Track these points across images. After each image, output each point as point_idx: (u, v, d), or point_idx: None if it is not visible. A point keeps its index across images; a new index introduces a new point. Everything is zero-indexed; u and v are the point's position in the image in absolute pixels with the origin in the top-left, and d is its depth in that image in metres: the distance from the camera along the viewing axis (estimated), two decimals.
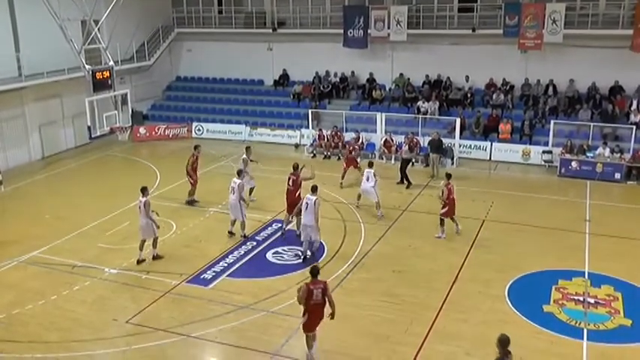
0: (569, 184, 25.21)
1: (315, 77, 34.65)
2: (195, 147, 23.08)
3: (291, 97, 35.06)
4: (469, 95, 31.31)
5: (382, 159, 28.97)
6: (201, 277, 16.83)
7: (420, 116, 29.74)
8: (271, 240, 19.37)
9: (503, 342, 10.18)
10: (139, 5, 33.85)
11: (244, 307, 14.57)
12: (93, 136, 23.17)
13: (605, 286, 16.01)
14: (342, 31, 32.63)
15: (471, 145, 28.84)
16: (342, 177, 24.54)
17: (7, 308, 15.29)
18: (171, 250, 18.47)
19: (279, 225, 20.25)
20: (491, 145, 28.58)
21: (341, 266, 17.31)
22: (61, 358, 13.28)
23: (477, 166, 27.78)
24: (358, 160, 25.52)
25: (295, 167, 19.77)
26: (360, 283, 16.42)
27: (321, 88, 34.22)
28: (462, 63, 31.44)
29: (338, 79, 34.55)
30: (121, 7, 23.84)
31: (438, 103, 30.66)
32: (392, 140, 28.82)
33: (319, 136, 30.13)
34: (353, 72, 34.50)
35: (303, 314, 12.47)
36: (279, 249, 18.62)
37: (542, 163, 27.35)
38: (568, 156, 26.19)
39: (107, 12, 24.36)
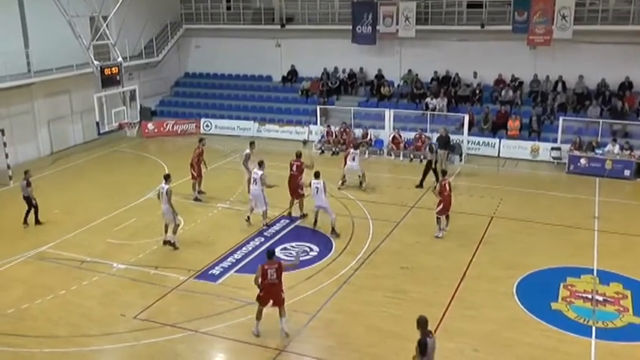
0: (577, 181, 25.09)
1: (323, 73, 34.66)
2: (200, 140, 23.22)
3: (300, 93, 35.08)
4: (477, 91, 31.24)
5: (390, 155, 28.97)
6: (210, 272, 16.90)
7: (429, 112, 29.74)
8: (279, 236, 19.44)
9: (422, 323, 10.51)
10: (148, 1, 34.07)
11: (252, 302, 14.53)
12: (101, 131, 23.35)
13: (613, 283, 15.97)
14: (350, 27, 32.63)
15: (479, 142, 28.80)
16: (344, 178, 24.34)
17: (16, 303, 15.40)
18: (180, 246, 18.54)
19: (287, 221, 20.44)
20: (500, 141, 28.54)
21: (349, 263, 17.36)
22: (69, 352, 13.37)
23: (485, 162, 27.73)
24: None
25: (298, 154, 20.97)
26: (368, 279, 16.45)
27: (330, 84, 34.22)
28: (470, 59, 31.40)
29: (346, 76, 34.54)
30: (129, 4, 24.01)
31: (446, 99, 30.61)
32: (400, 137, 28.81)
33: (327, 132, 30.17)
34: (361, 68, 34.50)
35: (259, 292, 13.47)
36: (288, 245, 18.67)
37: (551, 159, 27.27)
38: (577, 153, 26.10)
39: (116, 8, 24.44)
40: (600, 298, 15.25)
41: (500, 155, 28.34)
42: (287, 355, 13.14)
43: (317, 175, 19.19)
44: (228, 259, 17.68)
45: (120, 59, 23.66)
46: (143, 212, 21.63)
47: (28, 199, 20.52)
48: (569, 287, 15.80)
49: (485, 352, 13.08)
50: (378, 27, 32.09)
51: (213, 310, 14.87)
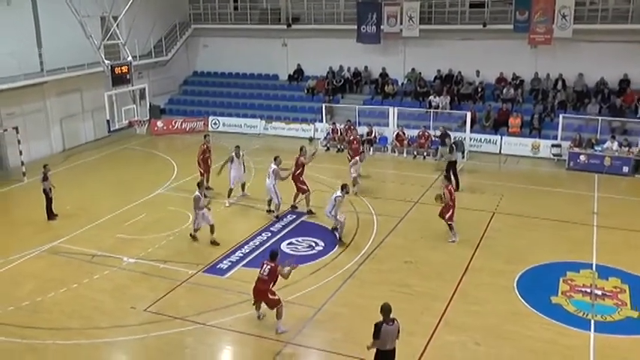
0: (577, 177, 25.26)
1: (328, 72, 34.96)
2: (205, 136, 23.37)
3: (306, 91, 35.37)
4: (480, 90, 31.45)
5: (394, 152, 29.22)
6: (218, 266, 17.13)
7: (432, 110, 29.99)
8: (286, 231, 19.64)
9: (385, 310, 11.04)
10: (157, 2, 34.46)
11: None
12: (112, 129, 23.65)
13: (612, 278, 16.12)
14: (355, 27, 32.86)
15: (481, 139, 28.98)
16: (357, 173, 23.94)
17: (30, 296, 15.67)
18: (188, 241, 18.79)
19: (294, 217, 20.68)
20: (501, 138, 28.75)
21: (353, 257, 17.53)
22: (82, 344, 13.59)
23: (487, 159, 27.95)
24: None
25: (301, 148, 21.40)
26: (372, 274, 16.61)
27: (335, 82, 34.49)
28: (472, 58, 31.58)
29: (351, 74, 34.80)
30: (139, 4, 24.24)
31: (449, 97, 30.84)
32: (404, 134, 29.05)
33: (333, 129, 30.45)
34: (366, 67, 34.70)
35: None
36: (294, 240, 18.88)
37: (551, 156, 27.47)
38: (577, 149, 26.26)
39: (126, 8, 24.73)
40: (599, 292, 15.36)
41: (502, 152, 28.54)
42: (293, 347, 13.27)
43: (343, 188, 18.70)
44: (236, 254, 17.90)
45: (130, 58, 23.92)
46: (153, 208, 21.91)
47: (45, 192, 20.96)
48: (569, 281, 15.94)
49: (487, 345, 13.21)
50: (382, 27, 32.29)
51: (222, 303, 15.01)
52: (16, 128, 25.66)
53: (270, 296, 13.53)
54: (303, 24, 35.70)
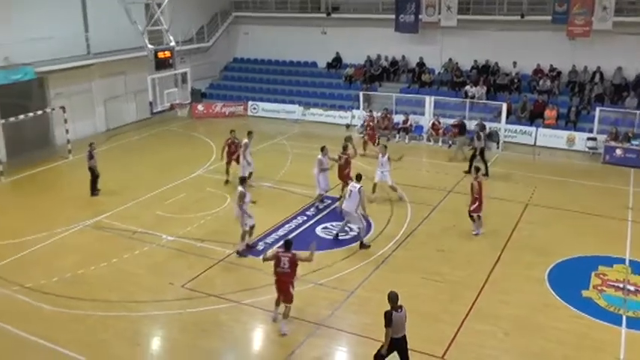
0: (612, 171, 24.97)
1: (366, 61, 35.20)
2: (231, 131, 23.24)
3: (344, 79, 35.63)
4: (516, 81, 31.33)
5: (430, 141, 29.32)
6: (254, 247, 17.39)
7: (468, 100, 29.96)
8: (321, 215, 19.91)
9: (392, 298, 11.11)
10: None
11: None
12: (154, 111, 24.10)
13: None
14: (393, 16, 32.96)
15: (516, 130, 28.84)
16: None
17: (72, 268, 16.29)
18: (226, 222, 19.02)
19: (329, 201, 20.85)
20: (537, 130, 28.58)
21: (387, 244, 17.69)
22: (120, 316, 14.09)
23: (521, 150, 27.82)
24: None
25: (345, 147, 20.78)
26: (405, 260, 16.75)
27: (372, 71, 34.68)
28: (509, 49, 31.46)
29: (389, 63, 34.94)
30: None
31: (485, 87, 30.84)
32: (439, 123, 29.11)
33: (370, 117, 30.50)
34: (403, 56, 34.83)
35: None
36: (329, 224, 19.10)
37: (587, 149, 27.22)
38: (613, 143, 26.01)
39: None
40: (632, 288, 15.14)
41: (537, 144, 28.35)
42: (325, 330, 13.47)
43: (358, 178, 17.72)
44: (272, 236, 18.23)
45: (173, 44, 24.28)
46: (192, 188, 22.45)
47: (91, 170, 21.65)
48: (601, 276, 15.77)
49: (516, 335, 13.23)
50: (420, 16, 32.35)
51: (256, 283, 15.21)
52: (63, 108, 26.66)
53: (291, 290, 13.37)
54: (342, 13, 35.93)
